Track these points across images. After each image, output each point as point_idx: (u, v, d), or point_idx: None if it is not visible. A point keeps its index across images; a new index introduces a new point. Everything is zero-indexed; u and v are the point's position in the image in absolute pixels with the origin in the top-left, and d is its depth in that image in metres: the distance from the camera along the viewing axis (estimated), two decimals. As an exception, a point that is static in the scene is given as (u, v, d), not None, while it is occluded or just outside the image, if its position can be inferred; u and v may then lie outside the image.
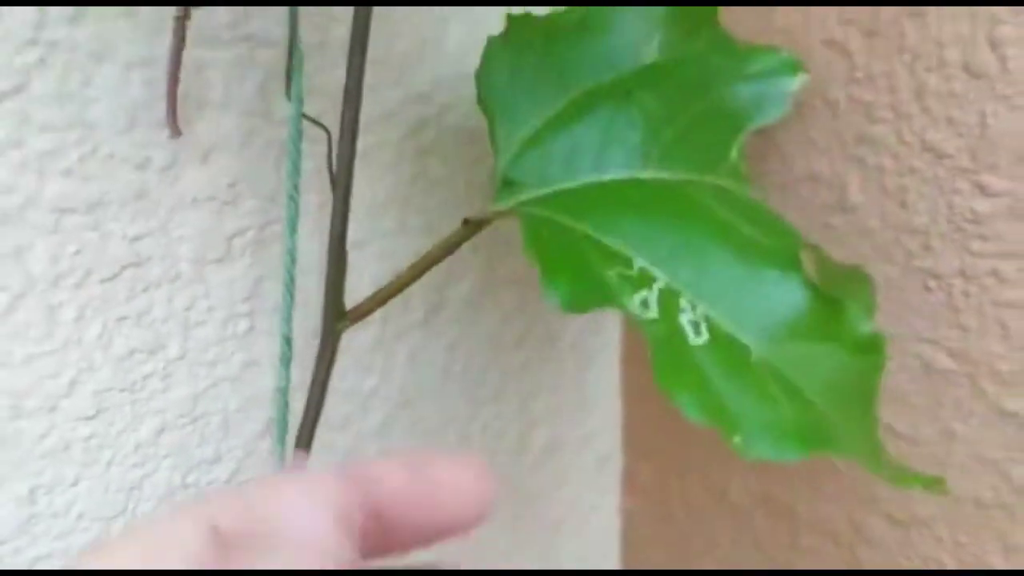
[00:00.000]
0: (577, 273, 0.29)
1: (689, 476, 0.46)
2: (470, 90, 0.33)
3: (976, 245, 0.33)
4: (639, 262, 0.29)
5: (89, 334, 0.32)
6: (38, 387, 0.31)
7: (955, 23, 0.32)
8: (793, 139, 0.37)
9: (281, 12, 0.33)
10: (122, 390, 0.33)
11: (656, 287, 0.29)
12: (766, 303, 0.30)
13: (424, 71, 0.38)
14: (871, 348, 0.30)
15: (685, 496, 0.46)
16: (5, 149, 0.29)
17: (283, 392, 0.34)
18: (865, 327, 0.30)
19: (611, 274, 0.29)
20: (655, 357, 0.27)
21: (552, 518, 0.49)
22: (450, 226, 0.39)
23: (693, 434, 0.46)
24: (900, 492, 0.38)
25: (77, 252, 0.31)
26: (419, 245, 0.39)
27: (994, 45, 0.31)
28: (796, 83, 0.35)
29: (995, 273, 0.33)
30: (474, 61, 0.33)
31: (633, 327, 0.47)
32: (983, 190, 0.33)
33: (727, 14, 0.36)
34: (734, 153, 0.34)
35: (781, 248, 0.31)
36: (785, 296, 0.30)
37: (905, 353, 0.36)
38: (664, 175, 0.33)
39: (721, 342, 0.28)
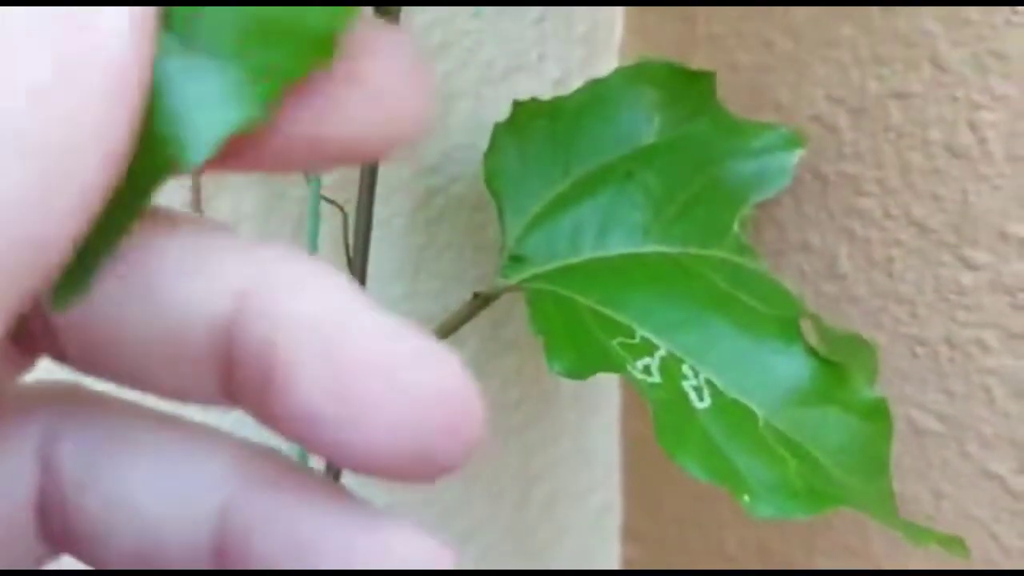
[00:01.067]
0: (580, 343, 0.30)
1: (686, 527, 0.47)
2: (476, 162, 0.34)
3: (961, 315, 0.35)
4: (641, 332, 0.31)
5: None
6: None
7: (938, 106, 0.34)
8: (786, 210, 0.39)
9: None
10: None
11: (658, 355, 0.30)
12: (770, 371, 0.31)
13: (433, 146, 0.40)
14: (877, 413, 0.31)
15: (683, 546, 0.47)
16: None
17: (303, 458, 0.35)
18: (869, 392, 0.32)
19: (613, 343, 0.30)
20: (658, 420, 0.28)
21: (554, 569, 0.50)
22: (458, 290, 0.40)
23: (690, 486, 0.47)
24: (895, 549, 0.39)
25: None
26: (429, 310, 0.41)
27: (974, 128, 0.33)
28: (795, 157, 0.37)
29: (978, 342, 0.35)
30: (479, 136, 0.34)
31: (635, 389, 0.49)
32: (966, 263, 0.34)
33: (720, 92, 0.38)
34: (736, 227, 0.36)
35: (782, 317, 0.33)
36: (788, 364, 0.32)
37: (895, 416, 0.37)
38: (665, 249, 0.35)
39: (726, 407, 0.30)
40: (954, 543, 0.28)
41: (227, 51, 0.12)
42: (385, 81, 0.12)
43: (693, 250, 0.35)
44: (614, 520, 0.52)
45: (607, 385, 0.50)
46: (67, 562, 0.15)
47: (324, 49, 0.12)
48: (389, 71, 0.12)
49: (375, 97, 0.12)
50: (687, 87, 0.37)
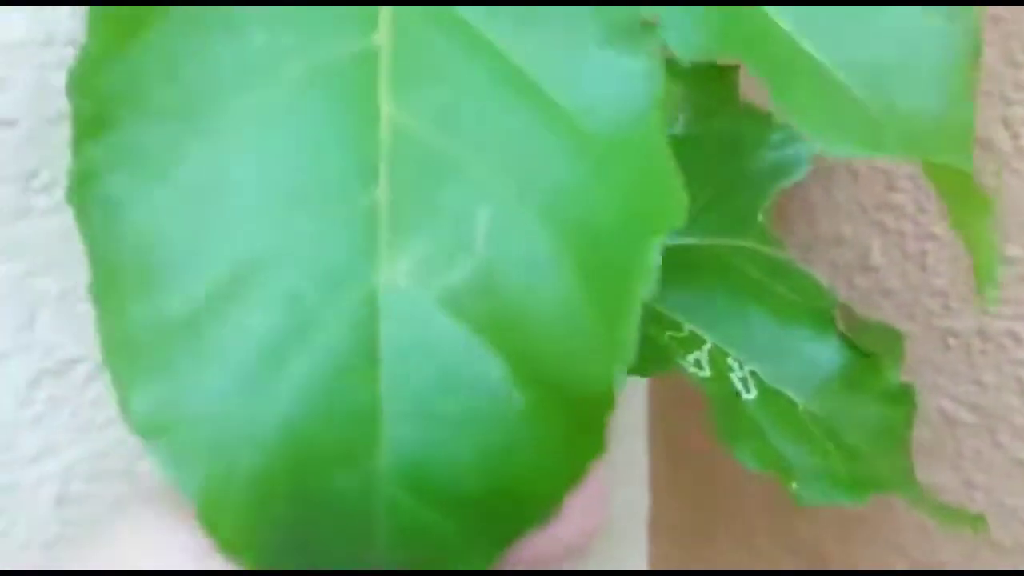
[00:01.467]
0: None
1: (714, 521, 0.48)
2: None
3: (993, 307, 0.35)
4: (688, 326, 0.31)
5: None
6: (118, 448, 0.33)
7: (970, 101, 0.35)
8: (819, 203, 0.39)
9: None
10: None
11: (706, 348, 0.31)
12: (806, 360, 0.32)
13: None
14: (904, 400, 0.32)
15: (711, 541, 0.48)
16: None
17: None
18: (896, 379, 0.32)
19: (665, 337, 0.31)
20: (714, 413, 0.29)
21: (581, 566, 0.51)
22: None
23: (717, 480, 0.48)
24: (925, 539, 0.40)
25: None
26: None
27: (1007, 124, 0.34)
28: (814, 147, 0.37)
29: (1011, 333, 0.35)
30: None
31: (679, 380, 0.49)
32: (998, 256, 0.35)
33: (744, 86, 0.39)
34: (761, 216, 0.37)
35: (815, 307, 0.33)
36: (823, 352, 0.32)
37: (927, 406, 0.38)
38: (699, 241, 0.35)
39: (769, 396, 0.30)
40: (975, 521, 0.29)
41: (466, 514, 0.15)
42: (580, 511, 0.16)
43: (724, 241, 0.36)
44: (641, 515, 0.53)
45: (634, 380, 0.51)
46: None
47: (550, 510, 0.15)
48: (582, 501, 0.16)
49: (570, 525, 0.16)
50: (712, 81, 0.38)
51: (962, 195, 0.22)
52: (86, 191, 0.16)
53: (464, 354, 0.16)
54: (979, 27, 0.24)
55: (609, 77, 0.18)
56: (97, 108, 0.16)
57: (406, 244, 0.16)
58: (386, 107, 0.17)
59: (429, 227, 0.16)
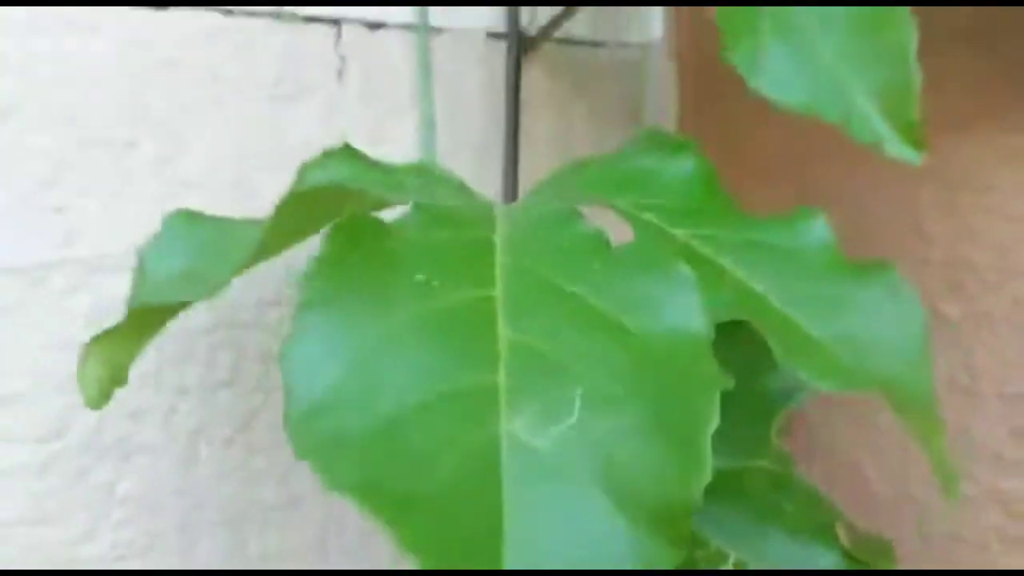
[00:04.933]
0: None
1: None
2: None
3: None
4: (715, 543, 0.38)
5: None
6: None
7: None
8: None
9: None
10: None
11: (730, 562, 0.37)
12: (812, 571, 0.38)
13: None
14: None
15: None
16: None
17: None
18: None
19: (698, 554, 0.37)
20: None
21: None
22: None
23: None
24: None
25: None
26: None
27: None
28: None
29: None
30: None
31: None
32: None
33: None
34: (773, 436, 0.43)
35: (821, 524, 0.39)
36: (828, 564, 0.38)
37: None
38: (722, 465, 0.41)
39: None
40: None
41: None
42: None
43: (742, 462, 0.42)
44: None
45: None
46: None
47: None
48: None
49: None
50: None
51: (924, 425, 0.30)
52: (292, 345, 0.25)
53: (568, 482, 0.23)
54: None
55: (656, 302, 0.27)
56: (313, 295, 0.26)
57: (521, 409, 0.24)
58: (504, 331, 0.26)
59: (539, 399, 0.24)
